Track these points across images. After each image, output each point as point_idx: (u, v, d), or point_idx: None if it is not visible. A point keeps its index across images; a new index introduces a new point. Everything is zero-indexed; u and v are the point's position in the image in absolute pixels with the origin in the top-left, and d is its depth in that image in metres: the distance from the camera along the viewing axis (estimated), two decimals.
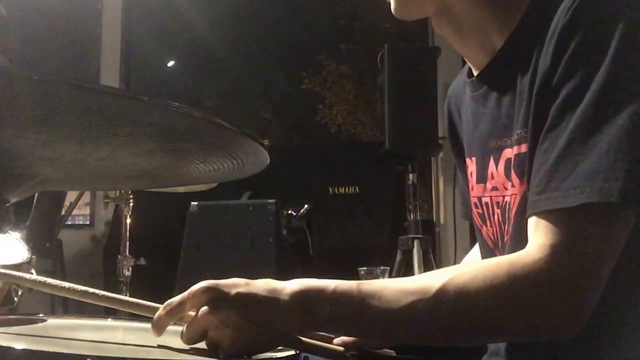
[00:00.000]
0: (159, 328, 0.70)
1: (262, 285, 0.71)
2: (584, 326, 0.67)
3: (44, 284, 0.73)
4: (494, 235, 0.90)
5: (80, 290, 0.72)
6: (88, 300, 0.72)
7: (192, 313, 0.70)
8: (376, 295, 0.69)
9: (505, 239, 0.85)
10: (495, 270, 0.68)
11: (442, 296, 0.68)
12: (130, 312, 0.75)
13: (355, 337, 0.84)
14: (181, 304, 0.69)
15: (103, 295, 0.72)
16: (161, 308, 0.70)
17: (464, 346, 0.83)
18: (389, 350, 0.92)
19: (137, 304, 0.73)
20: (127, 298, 0.75)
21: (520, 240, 0.81)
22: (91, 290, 0.72)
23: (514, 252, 0.81)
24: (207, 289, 0.69)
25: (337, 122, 9.80)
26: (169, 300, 0.70)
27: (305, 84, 9.79)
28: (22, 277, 0.75)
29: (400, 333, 0.73)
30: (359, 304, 0.69)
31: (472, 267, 0.71)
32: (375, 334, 0.79)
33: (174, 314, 0.70)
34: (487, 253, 0.92)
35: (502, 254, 0.87)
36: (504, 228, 0.86)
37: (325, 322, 0.70)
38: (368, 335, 0.82)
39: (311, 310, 0.69)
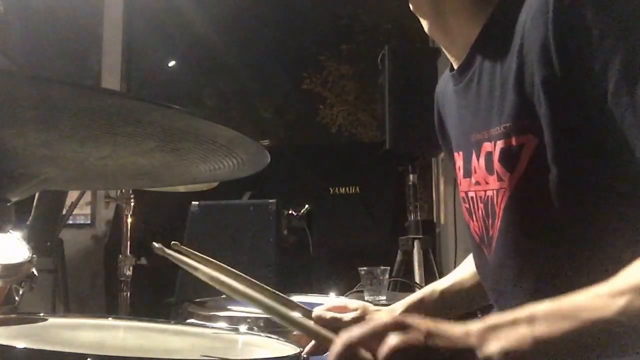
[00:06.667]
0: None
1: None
2: None
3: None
4: (479, 230, 0.88)
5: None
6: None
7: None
8: (580, 307, 0.59)
9: (491, 233, 0.84)
10: None
11: None
12: (132, 312, 0.74)
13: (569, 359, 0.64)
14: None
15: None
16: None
17: None
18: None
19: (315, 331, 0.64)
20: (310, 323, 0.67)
21: (510, 234, 0.80)
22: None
23: (504, 246, 0.79)
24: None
25: (337, 122, 9.80)
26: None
27: (306, 84, 9.80)
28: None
29: (626, 340, 0.60)
30: (565, 320, 0.59)
31: None
32: (596, 349, 0.62)
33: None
34: (474, 248, 0.91)
35: (487, 249, 0.86)
36: (488, 222, 0.85)
37: (528, 349, 0.58)
38: (586, 353, 0.62)
39: (509, 337, 0.58)
